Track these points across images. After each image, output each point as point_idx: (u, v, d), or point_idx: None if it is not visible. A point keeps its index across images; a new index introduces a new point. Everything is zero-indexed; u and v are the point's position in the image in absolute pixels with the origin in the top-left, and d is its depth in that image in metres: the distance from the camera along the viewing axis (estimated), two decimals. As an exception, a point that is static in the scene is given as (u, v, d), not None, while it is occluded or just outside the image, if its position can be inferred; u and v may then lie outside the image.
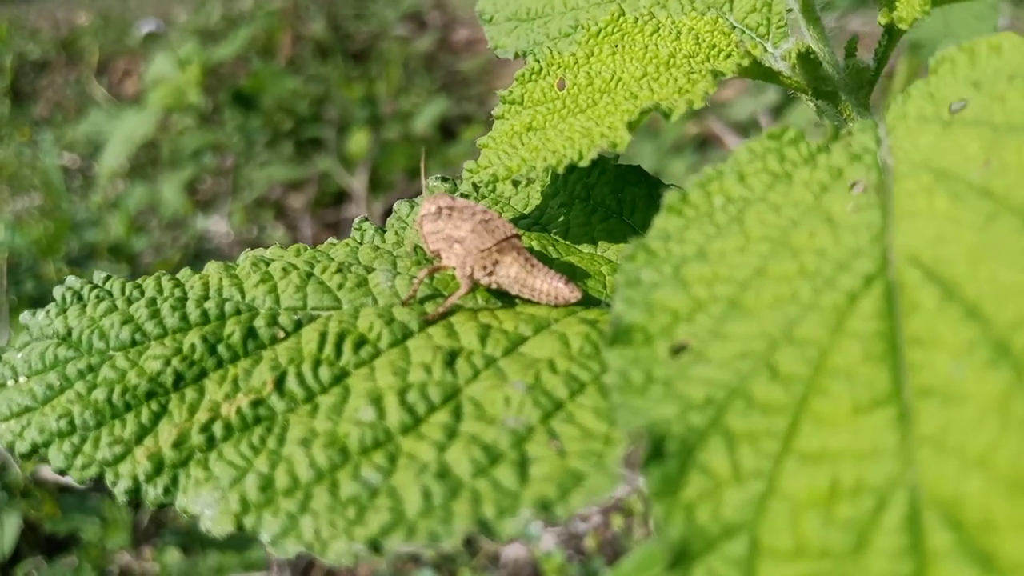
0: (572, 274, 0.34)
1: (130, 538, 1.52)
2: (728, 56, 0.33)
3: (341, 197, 2.75)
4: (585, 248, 0.36)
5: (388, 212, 1.59)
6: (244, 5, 3.52)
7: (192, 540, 1.56)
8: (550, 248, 0.36)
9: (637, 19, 0.35)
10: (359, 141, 2.59)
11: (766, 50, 0.38)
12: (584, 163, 0.31)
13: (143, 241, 2.35)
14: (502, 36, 0.47)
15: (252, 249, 0.34)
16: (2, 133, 3.08)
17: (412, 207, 0.40)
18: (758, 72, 0.34)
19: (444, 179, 0.40)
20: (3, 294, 1.92)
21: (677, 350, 0.23)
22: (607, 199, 0.37)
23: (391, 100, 2.86)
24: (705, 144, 2.98)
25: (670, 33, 0.34)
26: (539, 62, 0.36)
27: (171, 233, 2.51)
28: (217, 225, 2.66)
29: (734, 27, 0.39)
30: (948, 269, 0.20)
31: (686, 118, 2.32)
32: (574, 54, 0.36)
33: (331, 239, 0.38)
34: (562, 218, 0.38)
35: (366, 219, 0.38)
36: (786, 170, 0.26)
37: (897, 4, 0.32)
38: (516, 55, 0.44)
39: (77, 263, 2.20)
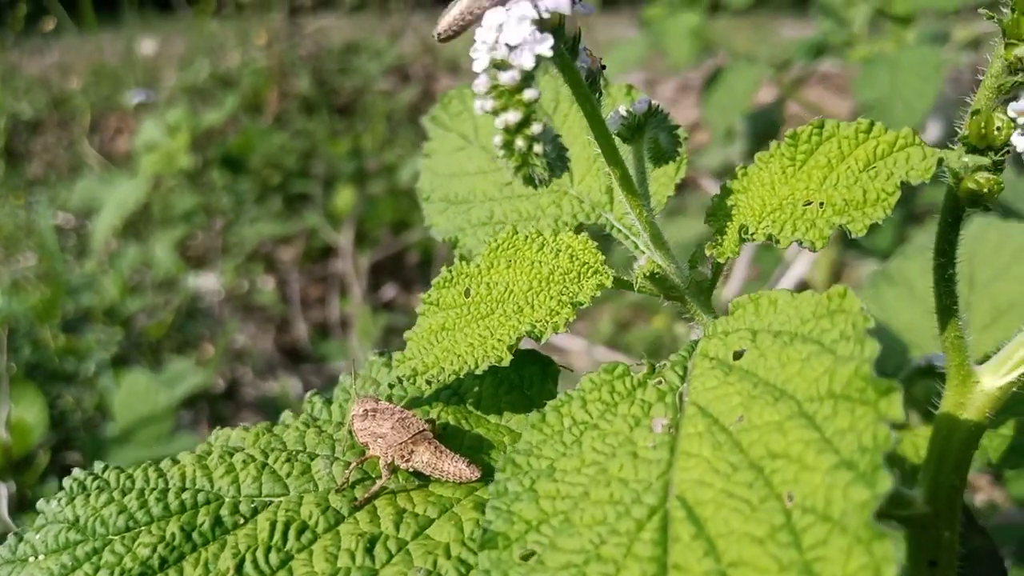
0: (479, 447, 0.43)
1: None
2: (595, 273, 0.42)
3: (328, 251, 2.84)
4: (492, 418, 0.45)
5: (374, 267, 1.69)
6: (232, 62, 3.62)
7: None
8: (463, 421, 0.44)
9: (527, 237, 0.44)
10: (345, 198, 2.68)
11: (636, 246, 0.47)
12: (478, 371, 0.39)
13: (137, 303, 2.41)
14: (436, 215, 0.56)
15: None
16: (-2, 194, 3.16)
17: (353, 378, 0.48)
18: (619, 285, 0.42)
19: (381, 353, 0.49)
20: (3, 362, 2.00)
21: (527, 556, 0.31)
22: (511, 375, 0.46)
23: (376, 155, 2.96)
24: (682, 187, 3.06)
25: (551, 251, 0.43)
26: (451, 272, 0.45)
27: (164, 294, 2.59)
28: (208, 281, 2.73)
29: (613, 225, 0.48)
30: (702, 510, 0.29)
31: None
32: (478, 264, 0.44)
33: (286, 413, 0.46)
34: (476, 388, 0.47)
35: (317, 393, 0.47)
36: (614, 400, 0.34)
37: (723, 242, 0.40)
38: (444, 239, 0.53)
39: (72, 328, 2.27)
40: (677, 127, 0.43)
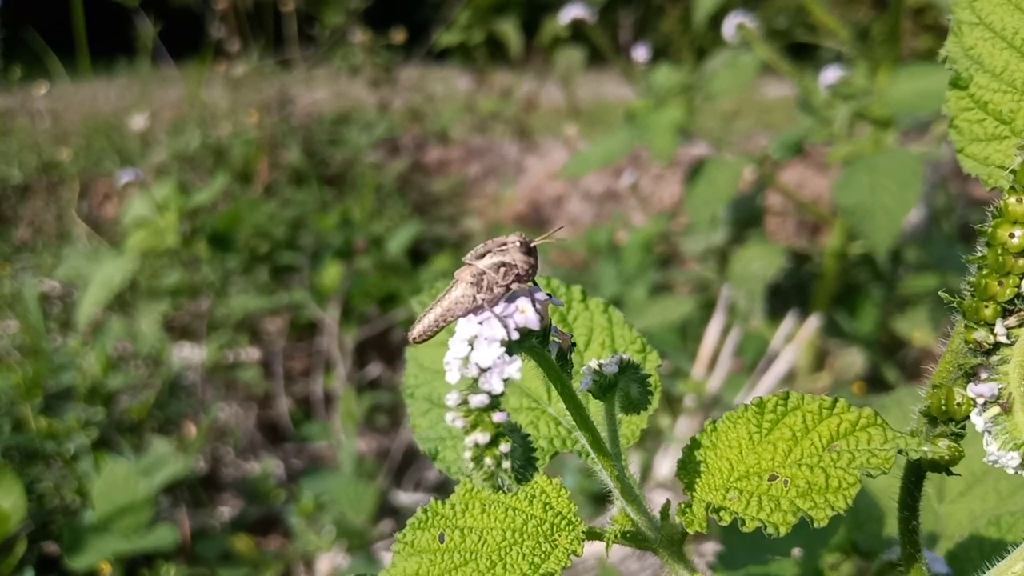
0: None
1: None
2: (568, 525, 0.43)
3: (314, 326, 2.84)
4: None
5: (359, 346, 1.71)
6: (223, 131, 3.65)
7: None
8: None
9: (502, 479, 0.45)
10: (331, 275, 2.69)
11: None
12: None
13: (119, 379, 2.39)
14: (418, 415, 0.56)
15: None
16: (-17, 260, 3.16)
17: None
18: (593, 536, 0.43)
19: (357, 577, 0.49)
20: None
21: None
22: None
23: (364, 231, 2.97)
24: (669, 262, 3.11)
25: (526, 496, 0.44)
26: (426, 512, 0.45)
27: (147, 368, 2.57)
28: (192, 354, 2.73)
29: (588, 454, 0.49)
30: None
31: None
32: (453, 505, 0.45)
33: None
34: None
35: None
36: None
37: (692, 514, 0.41)
38: (424, 450, 0.53)
39: (53, 408, 2.25)
40: (648, 376, 0.44)
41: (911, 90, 1.86)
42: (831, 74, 1.75)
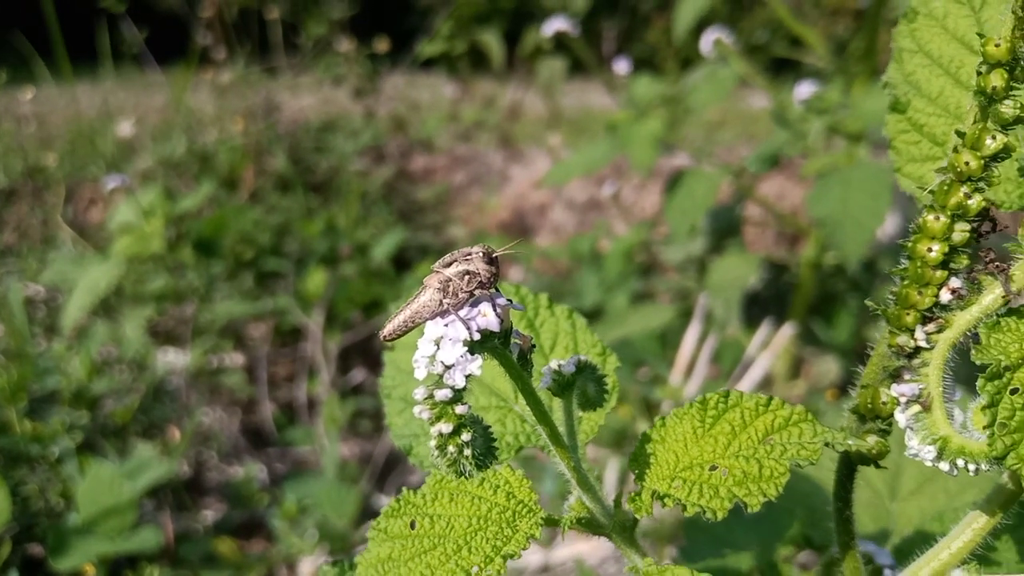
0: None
1: None
2: (529, 512, 0.46)
3: (298, 331, 2.87)
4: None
5: (343, 351, 1.74)
6: (209, 137, 3.68)
7: None
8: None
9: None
10: (316, 281, 2.71)
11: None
12: (417, 616, 0.43)
13: (104, 383, 2.40)
14: (394, 414, 0.59)
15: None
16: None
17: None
18: (552, 523, 0.47)
19: (335, 563, 0.53)
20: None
21: None
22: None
23: (349, 238, 3.00)
24: (650, 271, 3.16)
25: (491, 486, 0.48)
26: (399, 501, 0.49)
27: (132, 373, 2.59)
28: (177, 359, 2.74)
29: (550, 449, 0.53)
30: None
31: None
32: (424, 494, 0.49)
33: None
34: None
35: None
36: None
37: (640, 501, 0.45)
38: (399, 446, 0.57)
39: (38, 411, 2.26)
40: (604, 376, 0.47)
41: (884, 104, 1.90)
42: (805, 89, 1.80)
